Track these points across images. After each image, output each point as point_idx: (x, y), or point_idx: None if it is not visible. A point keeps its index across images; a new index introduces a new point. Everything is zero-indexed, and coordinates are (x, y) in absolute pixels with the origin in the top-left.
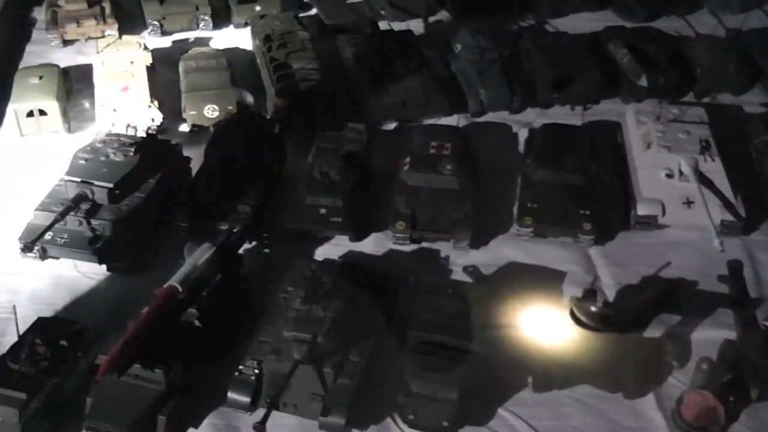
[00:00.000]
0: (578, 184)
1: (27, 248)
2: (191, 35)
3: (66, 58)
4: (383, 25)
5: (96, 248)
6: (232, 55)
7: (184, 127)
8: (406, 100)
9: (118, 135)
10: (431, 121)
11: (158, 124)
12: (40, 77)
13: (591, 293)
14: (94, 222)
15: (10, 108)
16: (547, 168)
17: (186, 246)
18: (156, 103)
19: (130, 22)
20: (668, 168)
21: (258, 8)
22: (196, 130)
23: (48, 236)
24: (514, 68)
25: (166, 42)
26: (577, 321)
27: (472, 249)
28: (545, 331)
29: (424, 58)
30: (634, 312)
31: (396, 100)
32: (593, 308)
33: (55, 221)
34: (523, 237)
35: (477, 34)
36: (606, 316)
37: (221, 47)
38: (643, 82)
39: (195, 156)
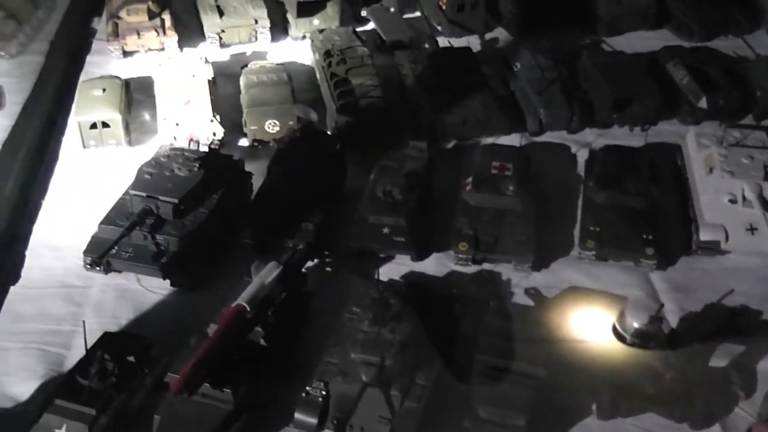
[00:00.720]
0: (641, 207)
1: (95, 263)
2: (248, 48)
3: (126, 69)
4: (442, 41)
5: (161, 263)
6: (290, 68)
7: (244, 142)
8: (466, 118)
9: (182, 149)
10: (490, 140)
11: (219, 138)
12: (103, 89)
13: (656, 320)
14: (158, 237)
15: (73, 119)
16: (610, 191)
17: (253, 264)
18: (218, 117)
19: (187, 34)
20: (731, 193)
21: (316, 22)
22: (257, 145)
23: (113, 250)
24: (573, 88)
25: (223, 54)
26: (618, 337)
27: (534, 271)
28: (608, 356)
29: (483, 75)
30: (697, 337)
31: (457, 118)
32: (636, 324)
33: (122, 236)
34: (584, 260)
35: (537, 53)
36: (649, 333)
37: (279, 60)
38: (703, 104)
39: (256, 171)
